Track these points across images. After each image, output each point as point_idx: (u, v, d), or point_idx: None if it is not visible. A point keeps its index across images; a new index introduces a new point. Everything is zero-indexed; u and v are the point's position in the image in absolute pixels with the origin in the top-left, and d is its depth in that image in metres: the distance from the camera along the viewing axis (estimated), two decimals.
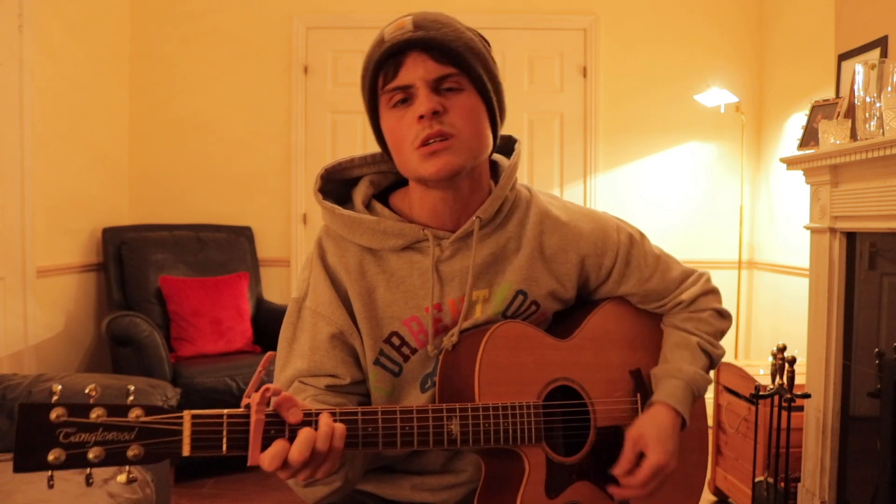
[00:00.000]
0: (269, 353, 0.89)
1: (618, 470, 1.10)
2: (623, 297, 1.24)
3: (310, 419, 0.88)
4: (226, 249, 3.77)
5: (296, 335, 1.11)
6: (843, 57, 2.62)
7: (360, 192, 1.15)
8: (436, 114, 1.02)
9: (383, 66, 1.04)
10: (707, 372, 1.21)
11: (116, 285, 3.50)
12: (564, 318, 1.21)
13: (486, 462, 1.10)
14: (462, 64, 1.04)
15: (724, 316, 1.27)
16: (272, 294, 3.95)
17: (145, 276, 3.48)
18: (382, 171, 1.18)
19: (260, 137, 4.06)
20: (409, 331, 1.11)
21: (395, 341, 1.11)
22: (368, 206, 1.14)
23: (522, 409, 1.04)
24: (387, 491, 1.18)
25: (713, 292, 1.27)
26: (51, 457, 0.77)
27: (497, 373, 1.05)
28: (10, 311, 2.94)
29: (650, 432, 1.11)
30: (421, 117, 1.02)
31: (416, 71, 1.03)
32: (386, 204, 1.16)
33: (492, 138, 1.11)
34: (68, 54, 3.39)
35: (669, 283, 1.23)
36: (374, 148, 1.17)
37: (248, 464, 0.84)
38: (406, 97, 1.04)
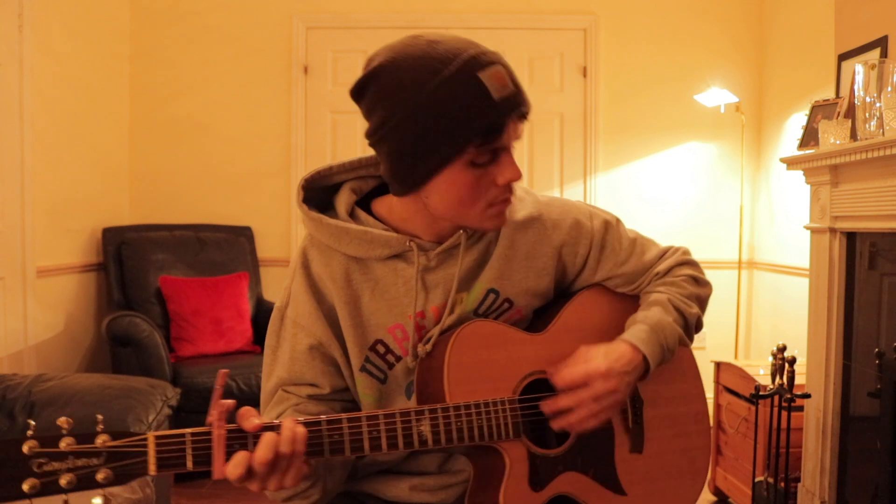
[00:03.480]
0: (221, 370, 0.91)
1: (556, 377, 1.08)
2: (601, 285, 1.23)
3: (271, 426, 0.90)
4: (226, 249, 3.77)
5: (279, 343, 1.12)
6: (843, 57, 2.61)
7: (343, 201, 1.14)
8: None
9: (495, 127, 0.98)
10: (681, 328, 1.17)
11: (116, 285, 3.50)
12: (542, 313, 1.21)
13: (472, 461, 1.11)
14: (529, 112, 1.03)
15: (700, 283, 1.24)
16: (272, 294, 3.94)
17: (145, 276, 3.48)
18: (362, 177, 1.17)
19: (260, 137, 4.06)
20: (393, 338, 1.12)
21: (380, 349, 1.12)
22: (352, 214, 1.14)
23: (497, 406, 1.05)
24: (386, 492, 1.19)
25: (689, 263, 1.26)
26: (25, 486, 0.81)
27: (466, 372, 1.06)
28: (10, 311, 2.94)
29: (600, 350, 1.09)
30: (509, 181, 1.02)
31: (514, 134, 1.01)
32: (368, 210, 1.15)
33: None
34: (68, 54, 3.39)
35: (646, 263, 1.23)
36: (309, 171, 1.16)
37: (214, 477, 0.87)
38: (491, 158, 1.01)
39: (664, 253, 1.26)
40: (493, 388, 1.07)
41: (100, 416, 0.88)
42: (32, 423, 0.86)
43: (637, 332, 1.13)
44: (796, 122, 3.43)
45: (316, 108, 4.07)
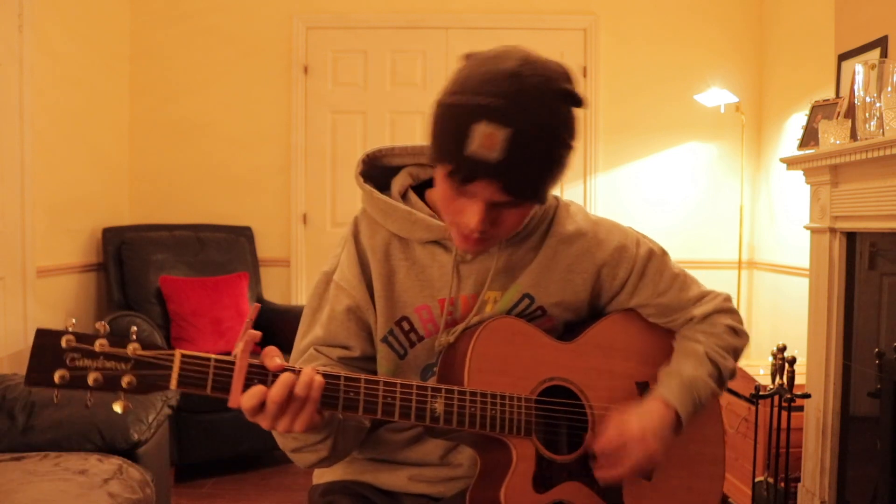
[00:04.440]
0: (255, 304, 0.94)
1: (594, 444, 1.11)
2: (634, 311, 1.23)
3: (292, 368, 0.94)
4: (226, 249, 3.77)
5: (321, 305, 1.17)
6: (843, 57, 2.62)
7: (399, 182, 1.19)
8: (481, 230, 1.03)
9: (453, 171, 0.98)
10: (715, 382, 1.18)
11: (116, 285, 3.50)
12: (572, 329, 1.22)
13: (480, 455, 1.12)
14: (529, 199, 1.01)
15: (738, 334, 1.24)
16: (272, 294, 3.95)
17: (145, 276, 3.48)
18: (422, 164, 1.21)
19: (260, 137, 4.06)
20: (419, 318, 1.15)
21: (405, 326, 1.16)
22: (404, 196, 1.18)
23: (513, 401, 1.06)
24: (385, 481, 1.20)
25: (730, 312, 1.25)
26: (56, 376, 0.85)
27: (489, 363, 1.07)
28: (10, 311, 2.94)
29: (634, 415, 1.12)
30: (467, 225, 1.02)
31: (483, 192, 0.99)
32: (422, 196, 1.19)
33: None
34: (68, 54, 3.39)
35: (684, 301, 1.22)
36: (373, 147, 1.20)
37: (229, 405, 0.91)
38: (464, 191, 1.01)
39: (705, 295, 1.25)
40: (511, 384, 1.08)
41: (134, 327, 0.92)
42: (73, 320, 0.90)
43: (670, 387, 1.15)
44: (796, 122, 3.43)
45: (316, 108, 4.07)
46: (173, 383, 0.89)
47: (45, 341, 0.85)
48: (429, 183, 1.21)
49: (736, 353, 1.23)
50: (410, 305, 1.15)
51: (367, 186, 1.16)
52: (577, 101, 1.00)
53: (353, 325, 1.14)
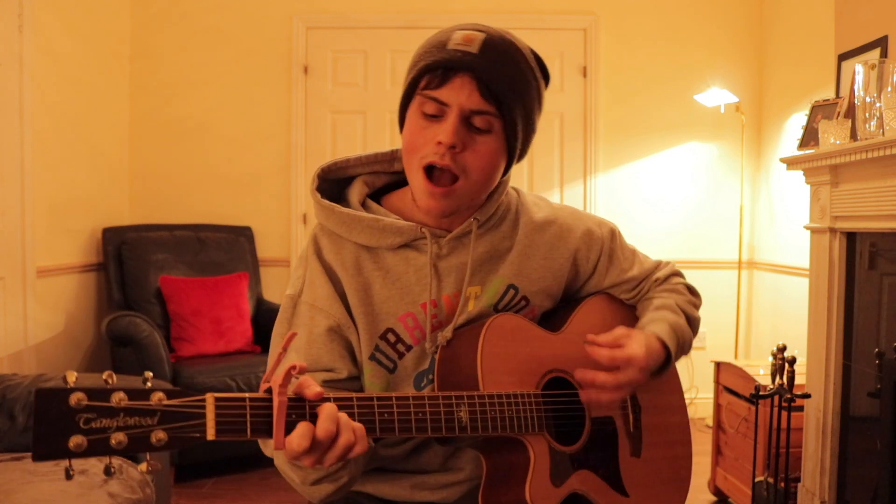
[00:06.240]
0: (291, 332, 0.87)
1: (597, 352, 1.08)
2: (605, 293, 1.27)
3: (328, 397, 0.88)
4: (226, 249, 3.77)
5: (290, 330, 1.11)
6: (843, 57, 2.61)
7: (356, 192, 1.17)
8: (453, 147, 1.03)
9: (433, 70, 1.04)
10: (691, 330, 1.23)
11: (116, 285, 3.50)
12: (551, 315, 1.24)
13: (487, 458, 1.11)
14: (504, 107, 1.04)
15: (693, 292, 1.31)
16: (272, 294, 3.94)
17: (145, 276, 3.48)
18: (376, 172, 1.20)
19: (260, 137, 4.07)
20: (404, 327, 1.13)
21: (391, 338, 1.12)
22: (364, 205, 1.16)
23: (525, 398, 1.06)
24: (386, 491, 1.18)
25: (681, 274, 1.33)
26: (71, 444, 0.72)
27: (497, 363, 1.08)
28: (10, 311, 2.94)
29: (639, 337, 1.11)
30: (440, 143, 1.03)
31: (459, 94, 1.03)
32: (379, 204, 1.18)
33: (500, 177, 1.13)
34: (68, 54, 3.39)
35: (646, 271, 1.29)
36: (374, 148, 1.19)
37: (275, 448, 0.83)
38: (438, 113, 1.04)
39: (658, 263, 1.33)
40: (519, 381, 1.09)
41: (148, 374, 0.79)
42: (74, 374, 0.74)
43: (662, 328, 1.16)
44: (796, 122, 3.43)
45: (316, 108, 4.07)
46: (211, 433, 0.78)
47: (50, 404, 0.71)
48: (384, 190, 1.20)
49: (696, 307, 1.30)
50: (393, 316, 1.12)
51: (326, 202, 1.13)
52: (542, 64, 1.11)
53: (337, 346, 1.10)
